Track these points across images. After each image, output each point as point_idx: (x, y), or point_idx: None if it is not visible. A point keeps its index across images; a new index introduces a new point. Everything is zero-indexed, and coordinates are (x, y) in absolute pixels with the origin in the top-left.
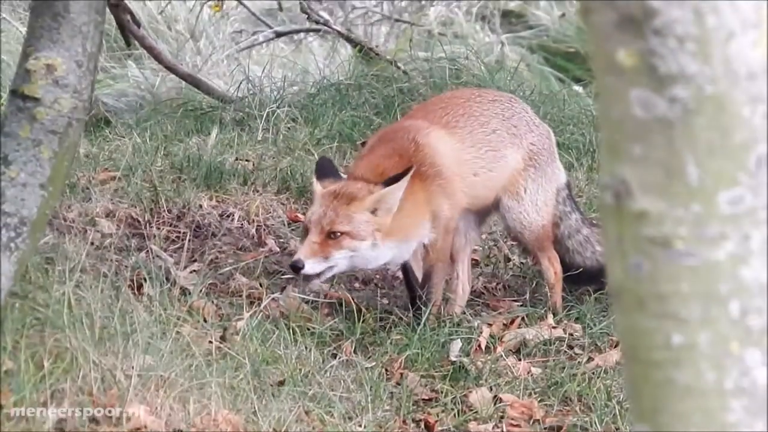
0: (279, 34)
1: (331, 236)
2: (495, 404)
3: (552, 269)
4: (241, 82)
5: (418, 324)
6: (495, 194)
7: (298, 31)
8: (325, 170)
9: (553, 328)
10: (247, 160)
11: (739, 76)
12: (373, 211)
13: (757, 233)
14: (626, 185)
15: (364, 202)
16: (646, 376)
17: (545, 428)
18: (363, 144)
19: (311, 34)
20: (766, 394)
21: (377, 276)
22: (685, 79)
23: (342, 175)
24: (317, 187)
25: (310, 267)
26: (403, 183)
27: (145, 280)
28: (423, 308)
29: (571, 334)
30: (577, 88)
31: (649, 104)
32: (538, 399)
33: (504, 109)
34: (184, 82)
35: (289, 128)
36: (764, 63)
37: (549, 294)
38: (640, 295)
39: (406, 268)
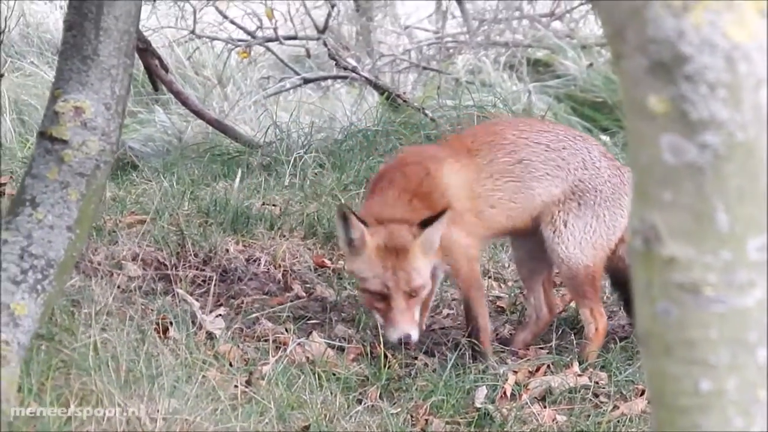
0: (306, 81)
1: (411, 295)
2: None
3: (593, 324)
4: (268, 128)
5: (478, 354)
6: (530, 220)
7: (325, 78)
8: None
9: (579, 376)
10: (273, 205)
11: (767, 123)
12: (424, 254)
13: None
14: (656, 231)
15: (416, 248)
16: (673, 423)
17: None
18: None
19: (339, 80)
20: None
21: None
22: (716, 126)
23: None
24: (370, 239)
25: (416, 335)
26: (441, 224)
27: (171, 323)
28: (475, 341)
29: (597, 382)
30: (605, 137)
31: (680, 150)
32: None
33: (552, 140)
34: (210, 128)
35: (316, 174)
36: None
37: (584, 345)
38: (668, 341)
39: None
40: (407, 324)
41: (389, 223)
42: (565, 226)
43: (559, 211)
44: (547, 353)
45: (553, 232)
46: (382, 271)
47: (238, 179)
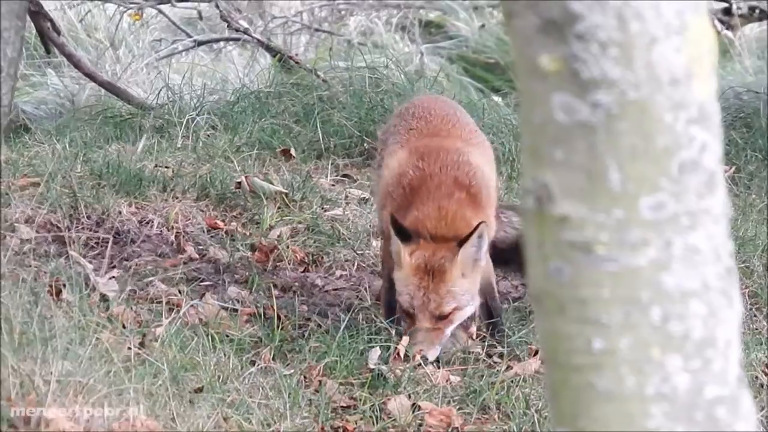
0: (199, 43)
1: (440, 318)
2: (413, 412)
3: None
4: (160, 90)
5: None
6: None
7: (217, 40)
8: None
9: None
10: (166, 167)
11: (661, 81)
12: (463, 275)
13: (678, 239)
14: (548, 190)
15: (453, 271)
16: (566, 381)
17: None
18: (284, 152)
19: (231, 43)
20: (686, 400)
21: (296, 283)
22: (607, 84)
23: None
24: (406, 255)
25: (433, 354)
26: (474, 239)
27: (64, 286)
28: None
29: (491, 343)
30: (497, 98)
31: (572, 109)
32: (457, 407)
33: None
34: (103, 90)
35: (208, 135)
36: (687, 69)
37: None
38: (561, 300)
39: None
40: (426, 346)
41: (436, 239)
42: None
43: None
44: None
45: None
46: (414, 291)
47: (141, 143)
